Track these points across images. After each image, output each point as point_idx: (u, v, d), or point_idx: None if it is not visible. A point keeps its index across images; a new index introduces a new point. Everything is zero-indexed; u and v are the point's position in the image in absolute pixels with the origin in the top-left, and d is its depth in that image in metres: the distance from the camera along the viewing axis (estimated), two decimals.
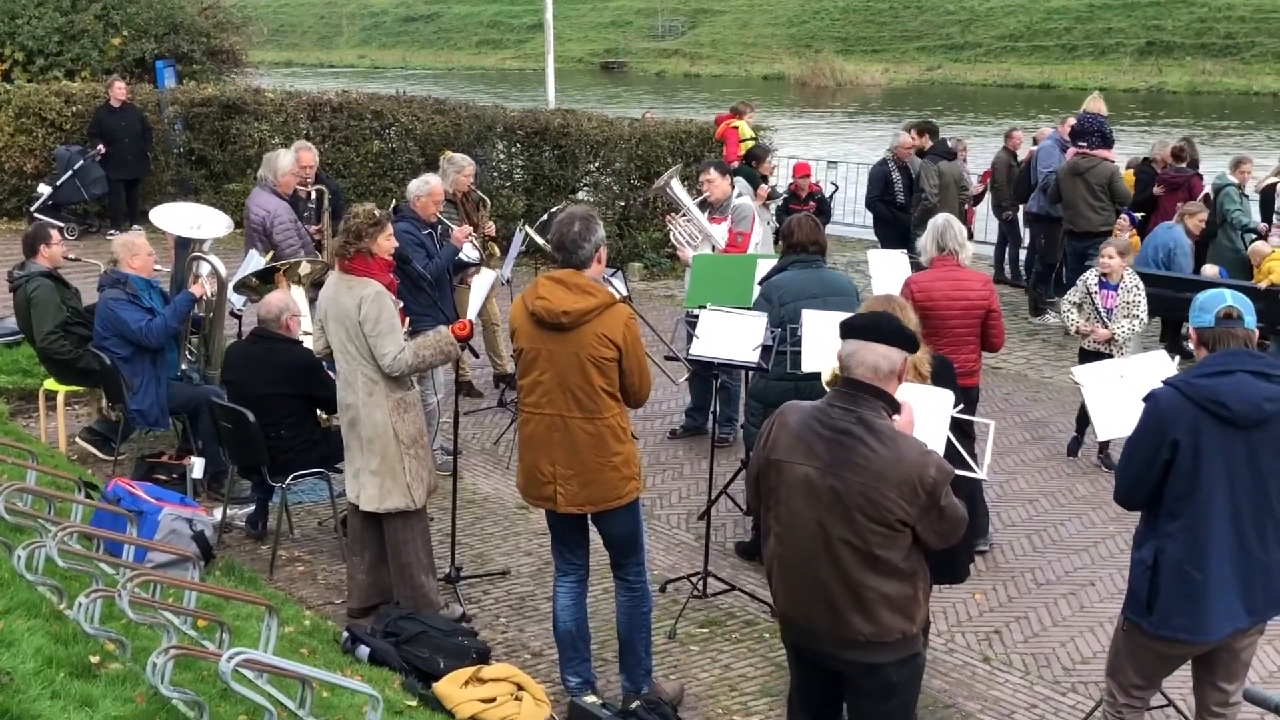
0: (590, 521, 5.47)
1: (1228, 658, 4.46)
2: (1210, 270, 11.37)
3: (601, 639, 6.10)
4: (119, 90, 15.91)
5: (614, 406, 5.20)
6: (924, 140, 13.17)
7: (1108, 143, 12.08)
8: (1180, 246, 11.11)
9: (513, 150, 15.95)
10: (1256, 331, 4.40)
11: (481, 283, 6.71)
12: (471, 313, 6.60)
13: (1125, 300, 8.69)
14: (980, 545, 7.34)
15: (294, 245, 9.00)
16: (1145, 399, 4.38)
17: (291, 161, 9.37)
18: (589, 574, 5.66)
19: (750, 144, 14.21)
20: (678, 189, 9.02)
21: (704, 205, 9.01)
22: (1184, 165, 12.73)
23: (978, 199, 14.05)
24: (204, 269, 8.10)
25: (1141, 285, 8.79)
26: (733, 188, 9.16)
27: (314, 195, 9.80)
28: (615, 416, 5.21)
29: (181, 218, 8.45)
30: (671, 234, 9.13)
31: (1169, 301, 10.64)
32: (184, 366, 8.18)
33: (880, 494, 3.89)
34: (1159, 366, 5.63)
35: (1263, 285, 10.61)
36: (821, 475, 3.96)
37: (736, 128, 14.89)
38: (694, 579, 6.79)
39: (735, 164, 13.23)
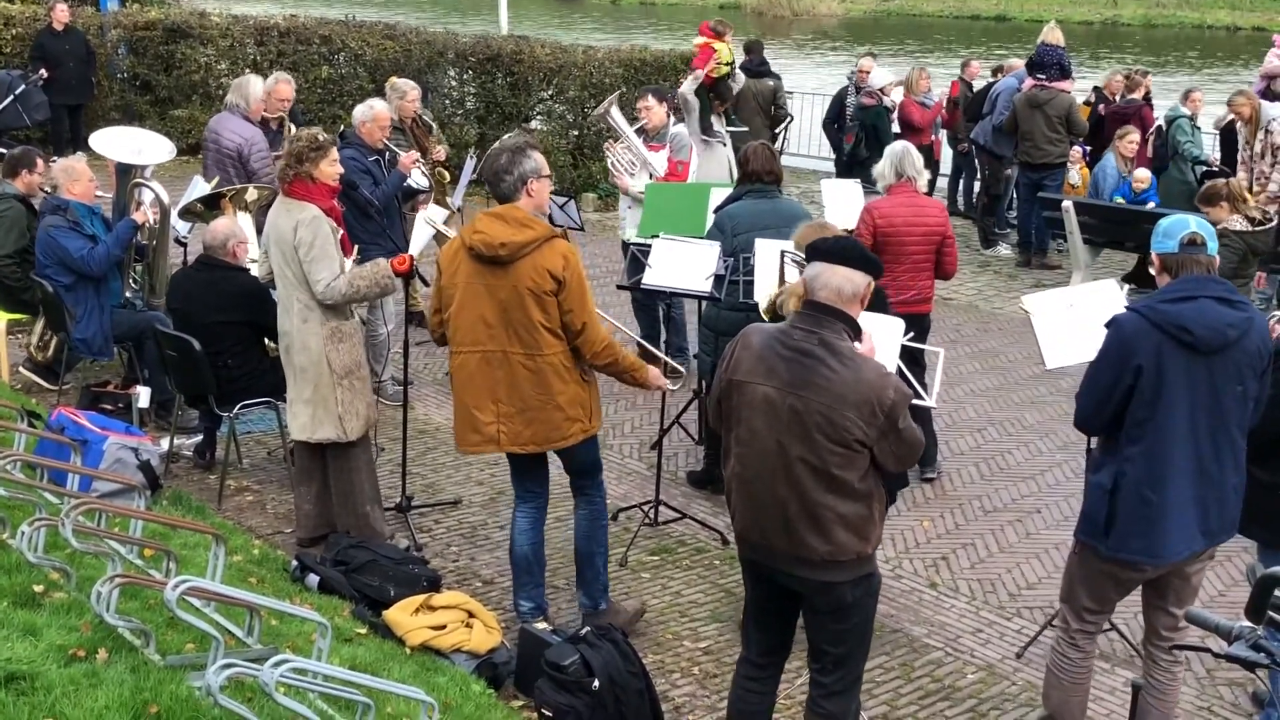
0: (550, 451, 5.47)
1: (1179, 583, 4.51)
2: (1142, 174, 11.47)
3: (553, 566, 6.11)
4: (60, 13, 15.48)
5: (555, 344, 5.14)
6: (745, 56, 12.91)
7: (1066, 74, 12.08)
8: (1104, 175, 11.36)
9: (464, 77, 15.74)
10: (1218, 258, 4.39)
11: (427, 218, 6.62)
12: (414, 248, 6.52)
13: None
14: (929, 473, 7.42)
15: (270, 174, 8.83)
16: (1108, 324, 4.37)
17: (263, 88, 9.18)
18: (548, 501, 5.67)
19: (725, 70, 13.28)
20: (617, 116, 8.93)
21: (641, 133, 8.92)
22: (1135, 96, 12.78)
23: (945, 125, 13.96)
24: (146, 196, 7.95)
25: None
26: (669, 116, 9.05)
27: (279, 126, 9.60)
28: (557, 355, 5.15)
29: (122, 143, 8.26)
30: (610, 162, 9.03)
31: (1100, 229, 10.92)
32: (128, 294, 8.04)
33: (840, 414, 3.90)
34: (1108, 295, 5.65)
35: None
36: (782, 395, 3.98)
37: (716, 50, 14.09)
38: (646, 507, 6.81)
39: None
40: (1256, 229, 7.87)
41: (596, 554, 5.59)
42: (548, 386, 5.16)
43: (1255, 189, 10.55)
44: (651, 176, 8.67)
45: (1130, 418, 4.30)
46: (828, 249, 4.09)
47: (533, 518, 5.57)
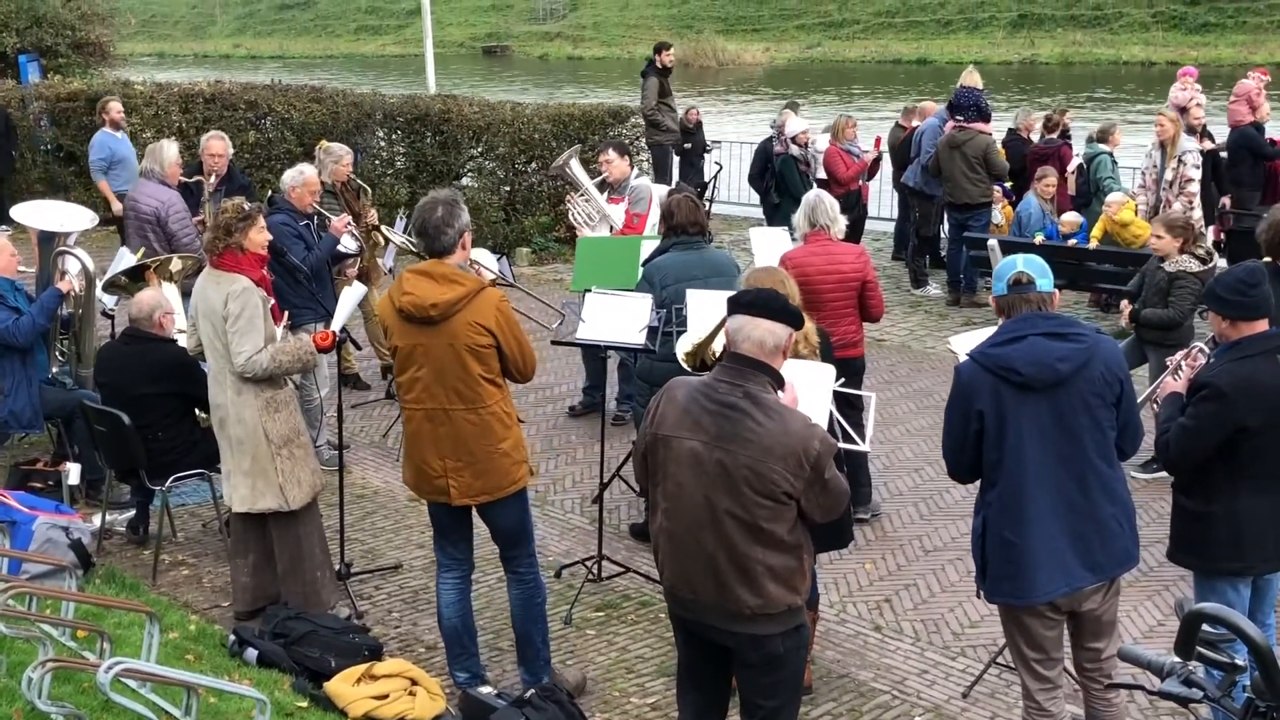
0: (476, 514, 5.38)
1: (1090, 623, 4.52)
2: (1070, 218, 11.71)
3: (496, 628, 6.07)
4: None
5: (495, 393, 5.13)
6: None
7: (984, 116, 12.32)
8: (1026, 214, 11.73)
9: (393, 137, 15.76)
10: (1056, 293, 4.46)
11: (349, 295, 6.64)
12: (336, 324, 6.52)
13: None
14: (863, 514, 7.43)
15: (190, 235, 8.81)
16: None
17: (177, 151, 9.17)
18: (473, 569, 5.58)
19: None
20: (576, 169, 9.05)
21: (602, 186, 9.02)
22: (1054, 135, 13.04)
23: (870, 173, 14.12)
24: (71, 265, 7.85)
25: None
26: (631, 169, 9.16)
27: (218, 183, 9.54)
28: (498, 403, 5.14)
29: (44, 213, 8.21)
30: (570, 214, 9.15)
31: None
32: (54, 370, 7.92)
33: (767, 467, 3.91)
34: None
35: (1091, 246, 11.09)
36: (709, 449, 3.98)
37: None
38: (589, 563, 6.77)
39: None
40: (1206, 269, 8.00)
41: (534, 632, 5.48)
42: (492, 436, 5.13)
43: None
44: (611, 229, 8.75)
45: (985, 462, 4.39)
46: (749, 301, 4.10)
47: (459, 589, 5.47)
